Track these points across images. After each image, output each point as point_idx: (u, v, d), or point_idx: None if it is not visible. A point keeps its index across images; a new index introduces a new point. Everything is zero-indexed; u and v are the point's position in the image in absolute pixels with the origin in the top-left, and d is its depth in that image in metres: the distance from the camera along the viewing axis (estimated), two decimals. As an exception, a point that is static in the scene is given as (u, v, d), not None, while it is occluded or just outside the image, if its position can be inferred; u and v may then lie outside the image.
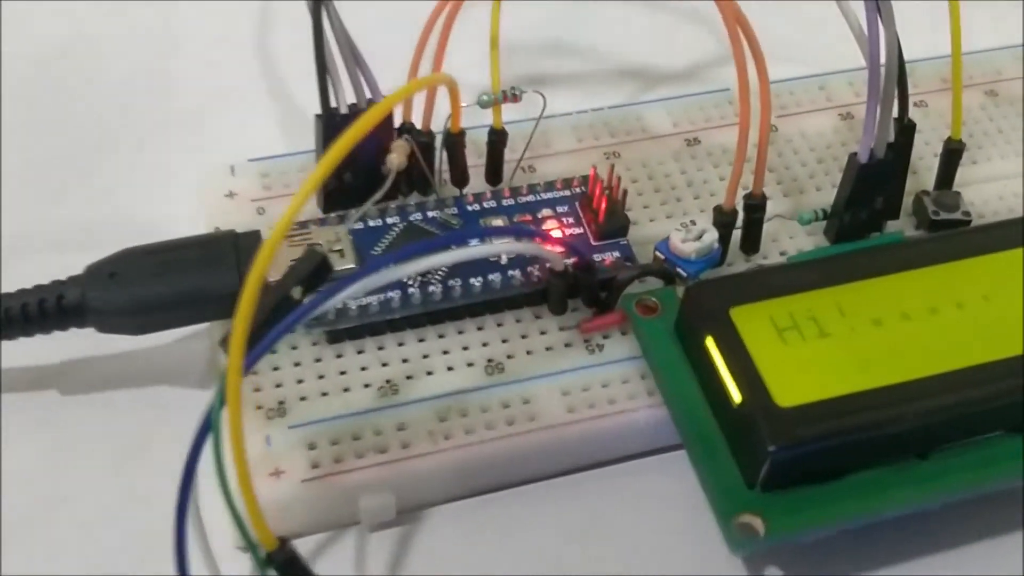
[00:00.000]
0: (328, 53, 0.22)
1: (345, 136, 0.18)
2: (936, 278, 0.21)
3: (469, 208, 0.23)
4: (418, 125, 0.24)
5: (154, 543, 0.18)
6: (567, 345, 0.22)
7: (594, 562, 0.20)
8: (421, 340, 0.22)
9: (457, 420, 0.21)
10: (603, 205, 0.23)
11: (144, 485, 0.21)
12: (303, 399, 0.21)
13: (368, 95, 0.23)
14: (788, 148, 0.26)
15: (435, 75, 0.21)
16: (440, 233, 0.23)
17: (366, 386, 0.21)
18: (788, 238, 0.24)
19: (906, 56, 0.23)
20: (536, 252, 0.20)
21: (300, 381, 0.21)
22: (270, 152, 0.25)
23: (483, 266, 0.22)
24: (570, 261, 0.21)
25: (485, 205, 0.23)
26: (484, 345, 0.22)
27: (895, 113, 0.23)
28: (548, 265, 0.21)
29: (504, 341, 0.22)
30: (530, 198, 0.24)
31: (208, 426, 0.17)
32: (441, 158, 0.24)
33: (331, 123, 0.22)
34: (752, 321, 0.20)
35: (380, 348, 0.22)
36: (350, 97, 0.23)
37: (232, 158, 0.25)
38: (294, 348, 0.22)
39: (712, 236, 0.22)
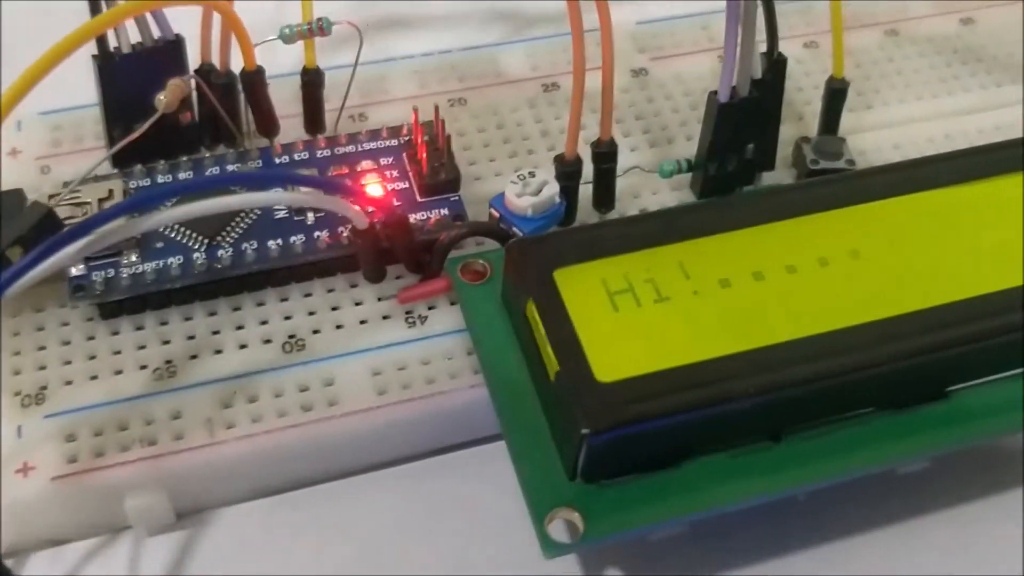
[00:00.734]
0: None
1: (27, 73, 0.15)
2: (800, 231, 0.18)
3: (277, 161, 0.20)
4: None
5: None
6: (385, 317, 0.19)
7: (400, 556, 0.18)
8: (212, 314, 0.19)
9: (243, 407, 0.18)
10: (425, 160, 0.20)
11: None
12: (68, 383, 0.18)
13: (156, 32, 0.20)
14: (660, 93, 0.23)
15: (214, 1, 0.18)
16: (237, 190, 0.20)
17: (142, 368, 0.18)
18: (650, 193, 0.21)
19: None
20: (326, 206, 0.17)
21: (67, 363, 0.18)
22: (71, 102, 0.22)
23: (284, 226, 0.19)
24: (380, 217, 0.18)
25: (296, 156, 0.20)
26: (286, 319, 0.19)
27: (763, 48, 0.20)
28: (350, 225, 0.18)
29: (311, 313, 0.19)
30: (350, 148, 0.20)
31: None
32: (244, 103, 0.21)
33: (108, 65, 0.19)
34: (579, 284, 0.17)
35: (163, 323, 0.19)
36: (134, 34, 0.20)
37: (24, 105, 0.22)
38: (65, 324, 0.19)
39: (552, 189, 0.19)
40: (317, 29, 0.20)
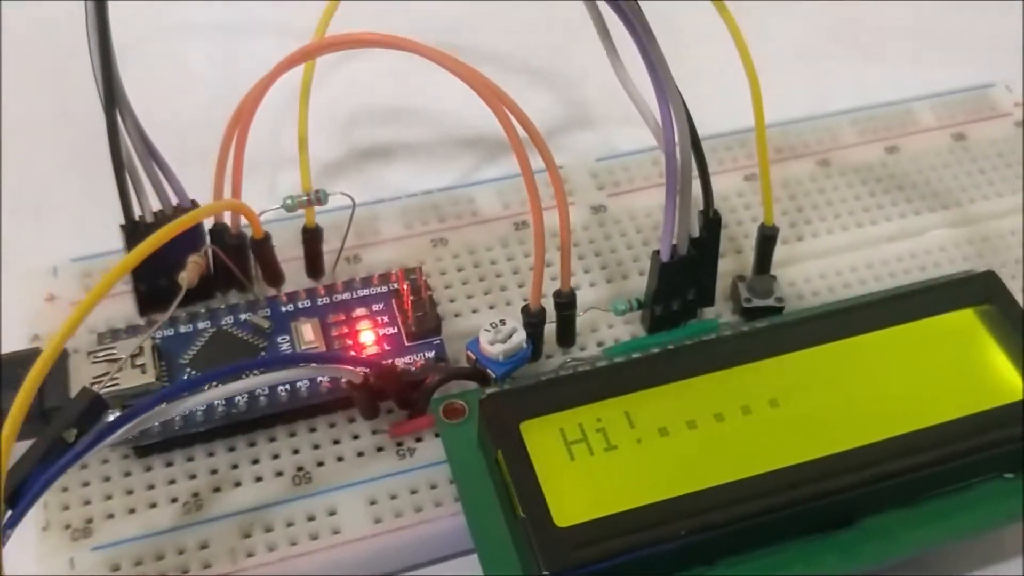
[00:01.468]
0: (127, 157, 0.22)
1: (124, 260, 0.18)
2: (724, 383, 0.21)
3: (283, 309, 0.23)
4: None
5: None
6: (379, 449, 0.22)
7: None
8: (231, 449, 0.22)
9: (260, 536, 0.21)
10: (410, 309, 0.23)
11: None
12: (110, 517, 0.21)
13: (174, 200, 0.23)
14: (616, 229, 0.26)
15: (226, 201, 0.21)
16: (250, 339, 0.23)
17: (173, 501, 0.21)
18: (607, 327, 0.25)
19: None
20: (330, 372, 0.21)
21: (108, 497, 0.22)
22: (100, 248, 0.25)
23: (292, 375, 0.22)
24: (372, 371, 0.22)
25: (299, 305, 0.23)
26: (295, 452, 0.22)
27: (700, 206, 0.23)
28: (346, 379, 0.21)
29: (315, 447, 0.22)
30: (346, 296, 0.24)
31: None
32: (254, 262, 0.24)
33: (134, 232, 0.22)
34: (542, 435, 0.20)
35: (189, 460, 0.22)
36: (155, 201, 0.23)
37: (57, 253, 0.25)
38: (105, 462, 0.22)
39: (520, 336, 0.22)
40: (315, 199, 0.23)
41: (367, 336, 0.23)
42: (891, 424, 0.21)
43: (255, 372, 0.21)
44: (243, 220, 0.23)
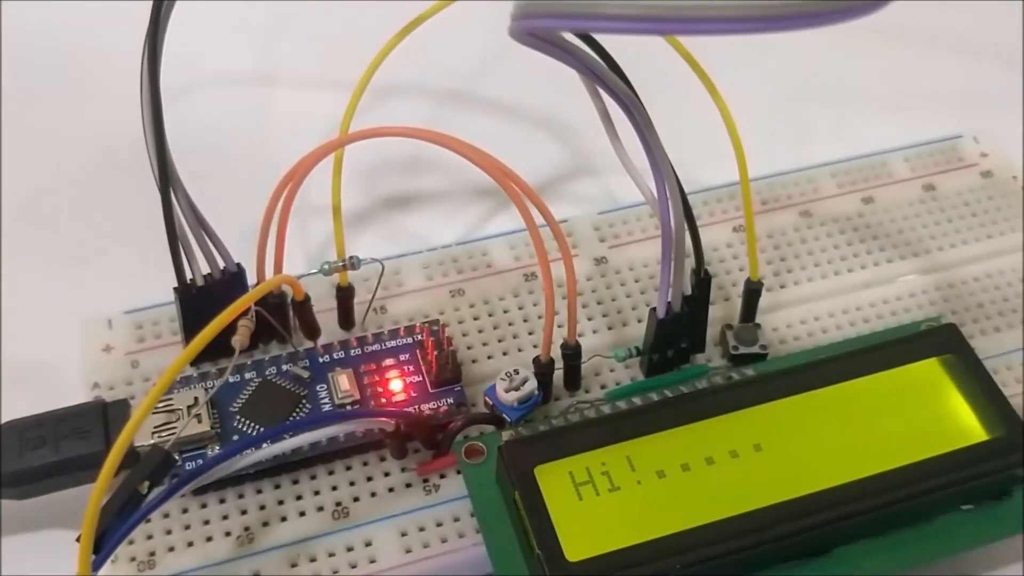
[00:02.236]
0: (179, 227, 0.25)
1: (196, 340, 0.21)
2: (713, 429, 0.24)
3: (320, 360, 0.26)
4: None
5: None
6: (408, 486, 0.25)
7: None
8: (277, 487, 0.25)
9: (306, 565, 0.24)
10: (434, 360, 0.25)
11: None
12: (171, 550, 0.24)
13: (221, 263, 0.26)
14: (616, 280, 0.29)
15: (276, 278, 0.24)
16: (292, 388, 0.25)
17: (227, 535, 0.24)
18: (608, 371, 0.27)
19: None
20: (366, 425, 0.23)
21: (168, 532, 0.24)
22: (148, 297, 0.28)
23: (330, 422, 0.25)
24: (402, 420, 0.24)
25: (335, 356, 0.26)
26: (333, 489, 0.25)
27: (693, 266, 0.26)
28: (380, 427, 0.24)
29: (351, 484, 0.25)
30: (376, 347, 0.26)
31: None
32: (293, 317, 0.26)
33: (187, 296, 0.25)
34: (553, 478, 0.23)
35: (240, 496, 0.25)
36: (204, 264, 0.25)
37: (110, 303, 0.28)
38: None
39: (532, 385, 0.25)
40: (350, 264, 0.25)
41: (396, 384, 0.26)
42: (863, 466, 0.24)
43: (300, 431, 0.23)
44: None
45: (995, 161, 0.32)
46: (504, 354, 0.27)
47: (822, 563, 0.23)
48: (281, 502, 0.25)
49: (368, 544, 0.24)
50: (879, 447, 0.24)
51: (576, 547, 0.22)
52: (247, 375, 0.26)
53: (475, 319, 0.28)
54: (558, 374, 0.26)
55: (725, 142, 0.26)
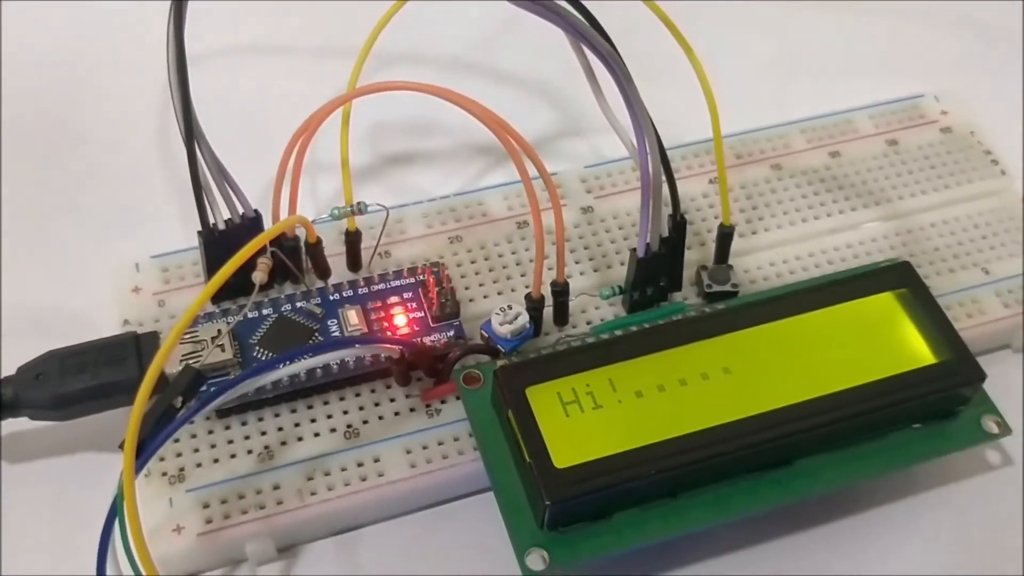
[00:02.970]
0: (203, 177, 0.27)
1: (219, 273, 0.23)
2: (687, 355, 0.26)
3: (331, 298, 0.29)
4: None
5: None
6: (412, 410, 0.28)
7: (430, 572, 0.26)
8: (294, 411, 0.28)
9: (321, 479, 0.26)
10: (435, 297, 0.28)
11: (76, 540, 0.26)
12: (199, 466, 0.27)
13: (240, 209, 0.28)
14: (601, 227, 0.32)
15: (291, 218, 0.27)
16: (306, 322, 0.28)
17: (249, 452, 0.27)
18: (594, 309, 0.30)
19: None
20: (372, 351, 0.26)
21: (196, 450, 0.27)
22: (171, 246, 0.31)
23: (340, 352, 0.28)
24: (405, 348, 0.27)
25: (344, 295, 0.29)
26: (344, 413, 0.28)
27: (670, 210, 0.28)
28: (385, 355, 0.26)
29: (361, 409, 0.28)
30: (381, 286, 0.29)
31: (114, 512, 0.22)
32: (306, 258, 0.29)
33: (210, 238, 0.28)
34: (543, 397, 0.25)
35: (260, 419, 0.27)
36: (225, 211, 0.28)
37: (138, 251, 0.31)
38: (191, 423, 0.27)
39: (524, 319, 0.28)
40: (357, 210, 0.28)
41: (400, 319, 0.28)
42: (822, 385, 0.26)
43: (313, 354, 0.26)
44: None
45: (954, 118, 0.35)
46: (499, 294, 0.30)
47: (785, 473, 0.26)
48: (297, 424, 0.27)
49: (377, 460, 0.27)
50: (837, 370, 0.26)
51: (563, 456, 0.25)
52: (264, 311, 0.28)
53: (472, 263, 0.31)
54: (548, 311, 0.29)
55: (704, 102, 0.28)
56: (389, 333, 0.28)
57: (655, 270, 0.28)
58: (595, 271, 0.31)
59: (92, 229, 0.32)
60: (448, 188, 0.33)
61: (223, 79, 0.36)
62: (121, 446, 0.23)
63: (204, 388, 0.26)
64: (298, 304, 0.28)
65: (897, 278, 0.28)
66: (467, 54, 0.38)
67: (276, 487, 0.26)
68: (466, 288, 0.30)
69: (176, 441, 0.27)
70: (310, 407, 0.28)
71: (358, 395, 0.28)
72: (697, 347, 0.26)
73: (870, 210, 0.32)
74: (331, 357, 0.26)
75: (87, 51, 0.38)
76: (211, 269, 0.28)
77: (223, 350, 0.27)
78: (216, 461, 0.27)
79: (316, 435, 0.27)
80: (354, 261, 0.30)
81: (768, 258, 0.31)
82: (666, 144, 0.27)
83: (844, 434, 0.26)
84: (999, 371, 0.30)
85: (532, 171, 0.27)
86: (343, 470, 0.27)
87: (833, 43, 0.39)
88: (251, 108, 0.36)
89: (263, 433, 0.27)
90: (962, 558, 0.27)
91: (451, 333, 0.28)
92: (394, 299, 0.29)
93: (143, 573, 0.22)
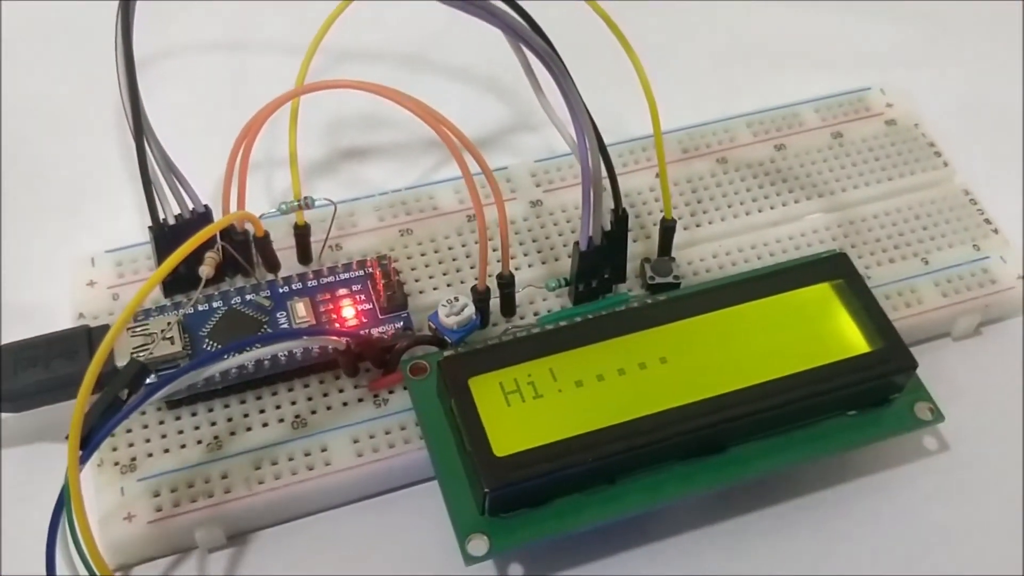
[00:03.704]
0: (152, 172, 0.28)
1: (167, 262, 0.24)
2: (624, 345, 0.27)
3: (280, 290, 0.29)
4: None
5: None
6: (360, 400, 0.28)
7: (377, 564, 0.27)
8: (243, 402, 0.28)
9: (268, 468, 0.27)
10: (382, 289, 0.29)
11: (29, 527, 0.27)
12: (150, 455, 0.27)
13: (190, 205, 0.28)
14: (549, 220, 0.32)
15: (237, 213, 0.27)
16: (255, 315, 0.28)
17: (198, 443, 0.27)
18: (541, 300, 0.30)
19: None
20: (320, 342, 0.26)
21: (147, 441, 0.27)
22: (127, 241, 0.31)
23: (288, 344, 0.28)
24: (352, 340, 0.27)
25: (293, 287, 0.29)
26: (292, 404, 0.28)
27: (611, 206, 0.29)
28: (333, 347, 0.27)
29: (309, 399, 0.28)
30: (331, 279, 0.29)
31: (61, 503, 0.23)
32: (255, 252, 0.29)
33: (160, 233, 0.28)
34: (485, 387, 0.26)
35: (210, 411, 0.28)
36: (175, 206, 0.28)
37: (93, 244, 0.31)
38: (143, 413, 0.28)
39: (470, 310, 0.28)
40: (304, 204, 0.28)
41: (348, 311, 0.29)
42: (757, 374, 0.27)
43: (260, 345, 0.26)
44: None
45: (899, 111, 0.36)
46: (448, 286, 0.31)
47: (718, 460, 0.27)
48: (246, 415, 0.28)
49: (324, 450, 0.27)
50: (772, 359, 0.27)
51: (503, 444, 0.25)
52: (214, 304, 0.29)
53: (422, 255, 0.31)
54: (495, 303, 0.30)
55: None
56: (337, 325, 0.28)
57: (598, 263, 0.29)
58: (543, 263, 0.31)
59: (48, 224, 0.33)
60: (400, 182, 0.33)
61: (175, 77, 0.37)
62: (67, 438, 0.23)
63: (151, 380, 0.26)
64: (248, 297, 0.29)
65: (833, 269, 0.29)
66: (420, 51, 0.39)
67: (224, 476, 0.27)
68: (416, 280, 0.31)
69: (128, 432, 0.27)
70: (259, 398, 0.28)
71: (307, 386, 0.28)
72: (636, 337, 0.27)
73: (813, 202, 0.33)
74: (278, 348, 0.26)
75: (42, 50, 0.38)
76: (162, 262, 0.29)
77: (172, 343, 0.27)
78: (167, 451, 0.27)
79: (264, 425, 0.28)
80: (304, 254, 0.30)
81: (711, 250, 0.32)
82: (613, 139, 0.28)
83: (777, 421, 0.27)
84: (938, 359, 0.31)
85: (475, 168, 0.27)
86: (290, 459, 0.27)
87: (781, 36, 0.40)
88: (201, 105, 0.36)
89: (213, 424, 0.28)
90: (896, 540, 0.28)
91: (399, 324, 0.29)
92: (343, 291, 0.29)
93: (89, 561, 0.23)
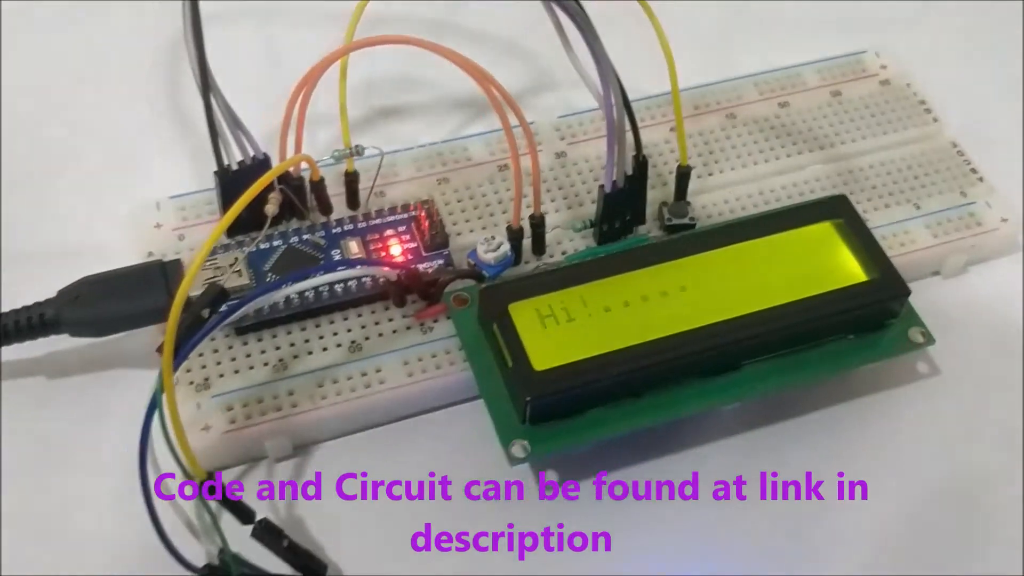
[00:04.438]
0: (218, 124, 0.30)
1: (236, 204, 0.27)
2: (648, 276, 0.30)
3: (333, 231, 0.32)
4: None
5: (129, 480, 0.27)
6: (408, 328, 0.31)
7: (425, 467, 0.30)
8: (303, 329, 0.31)
9: (330, 386, 0.30)
10: (427, 229, 0.31)
11: (114, 442, 0.30)
12: (221, 376, 0.30)
13: (251, 152, 0.31)
14: (573, 170, 0.35)
15: (297, 156, 0.30)
16: (311, 252, 0.31)
17: (265, 364, 0.30)
18: (568, 240, 0.34)
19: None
20: (374, 272, 0.29)
21: (219, 363, 0.30)
22: (187, 188, 0.34)
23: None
24: (402, 272, 0.30)
25: (345, 228, 0.32)
26: (348, 331, 0.31)
27: (633, 151, 0.32)
28: (384, 278, 0.30)
29: (363, 327, 0.31)
30: (378, 221, 0.32)
31: (153, 405, 0.26)
32: (310, 196, 0.32)
33: (225, 178, 0.31)
34: (524, 312, 0.29)
35: (274, 336, 0.31)
36: (237, 154, 0.31)
37: (157, 193, 0.34)
38: (212, 339, 0.31)
39: (506, 248, 0.31)
40: (355, 151, 0.31)
41: (395, 249, 0.32)
42: (766, 300, 0.30)
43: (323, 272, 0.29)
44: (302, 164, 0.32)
45: (892, 72, 0.39)
46: (483, 228, 0.34)
47: (733, 378, 0.30)
48: (307, 340, 0.31)
49: (378, 370, 0.30)
50: (779, 287, 0.30)
51: (541, 360, 0.28)
52: (275, 243, 0.32)
53: (459, 201, 0.34)
54: (527, 242, 0.33)
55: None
56: (387, 260, 0.31)
57: (621, 205, 0.32)
58: (568, 208, 0.34)
59: (112, 178, 0.36)
60: (435, 136, 0.36)
61: (233, 36, 0.40)
62: (159, 350, 0.26)
63: (225, 307, 0.29)
64: (304, 236, 0.32)
65: (834, 209, 0.32)
66: (446, 15, 0.41)
67: (291, 392, 0.30)
68: (453, 224, 0.34)
69: (200, 355, 0.30)
70: (318, 325, 0.31)
71: (360, 315, 0.31)
72: (657, 269, 0.30)
73: (814, 154, 0.36)
74: (336, 277, 0.29)
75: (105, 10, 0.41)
76: (226, 205, 0.32)
77: (240, 275, 0.30)
78: (237, 372, 0.30)
79: (324, 349, 0.31)
80: (352, 199, 0.33)
81: (723, 196, 0.35)
82: (631, 96, 0.31)
83: (785, 341, 0.30)
84: (930, 295, 0.34)
85: (512, 120, 0.30)
86: (349, 379, 0.30)
87: (784, 4, 0.43)
88: (258, 63, 0.39)
89: (277, 348, 0.31)
90: (892, 456, 0.31)
91: (441, 261, 0.32)
92: (390, 232, 0.32)
93: (180, 454, 0.26)
